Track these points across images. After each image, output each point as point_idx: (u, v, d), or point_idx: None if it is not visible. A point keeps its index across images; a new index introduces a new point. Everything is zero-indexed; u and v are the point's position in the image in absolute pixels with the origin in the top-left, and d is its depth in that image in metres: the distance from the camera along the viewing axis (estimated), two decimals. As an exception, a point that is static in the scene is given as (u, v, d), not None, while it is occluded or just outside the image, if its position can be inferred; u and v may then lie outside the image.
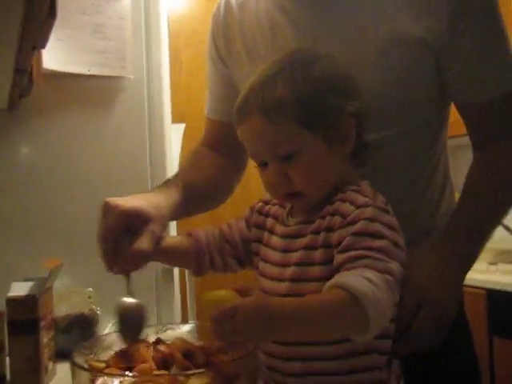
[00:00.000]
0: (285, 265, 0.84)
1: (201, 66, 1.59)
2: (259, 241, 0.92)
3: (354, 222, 0.77)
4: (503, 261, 2.39)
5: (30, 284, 1.05)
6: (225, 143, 1.18)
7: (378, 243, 0.76)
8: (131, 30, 1.42)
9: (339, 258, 0.77)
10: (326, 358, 0.80)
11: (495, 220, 1.01)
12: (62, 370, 1.10)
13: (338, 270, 0.76)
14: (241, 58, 1.10)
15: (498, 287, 2.07)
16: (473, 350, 1.07)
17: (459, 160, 2.90)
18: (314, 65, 0.83)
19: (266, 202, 0.95)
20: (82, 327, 1.25)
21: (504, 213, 1.01)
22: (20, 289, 1.04)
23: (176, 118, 1.69)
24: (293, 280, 0.82)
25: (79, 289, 1.25)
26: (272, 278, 0.86)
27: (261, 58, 1.01)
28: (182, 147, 1.75)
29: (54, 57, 1.31)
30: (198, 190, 1.07)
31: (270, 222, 0.91)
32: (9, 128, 1.33)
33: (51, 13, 0.67)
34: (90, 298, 1.25)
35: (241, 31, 1.10)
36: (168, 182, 1.05)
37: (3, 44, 0.79)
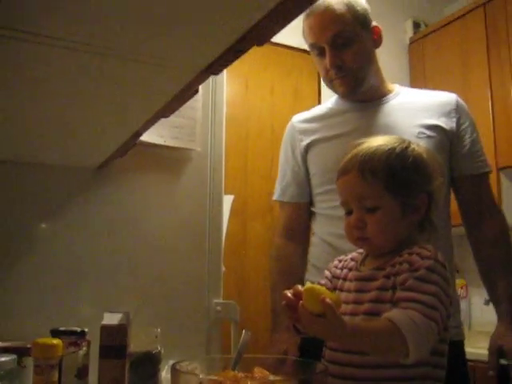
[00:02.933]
0: (358, 302, 1.04)
1: (232, 147, 1.87)
2: (335, 287, 1.15)
3: (417, 269, 0.98)
4: None
5: (118, 316, 1.22)
6: (299, 225, 1.67)
7: (433, 289, 0.97)
8: (201, 111, 1.67)
9: (400, 294, 0.98)
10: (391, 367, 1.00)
11: None
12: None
13: (396, 303, 0.96)
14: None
15: None
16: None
17: (464, 247, 3.11)
18: (407, 149, 1.09)
19: (340, 260, 1.20)
20: (147, 364, 1.39)
21: None
22: (111, 319, 1.20)
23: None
24: (367, 314, 1.01)
25: (148, 328, 1.39)
26: (346, 314, 1.04)
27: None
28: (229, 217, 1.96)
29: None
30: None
31: (344, 272, 1.14)
32: (94, 184, 1.54)
33: (197, 90, 0.89)
34: (156, 337, 1.39)
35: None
36: None
37: (143, 112, 1.00)
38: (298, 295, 0.96)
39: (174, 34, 0.70)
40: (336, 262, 1.22)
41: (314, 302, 0.93)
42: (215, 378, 0.96)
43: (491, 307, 1.61)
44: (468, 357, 1.75)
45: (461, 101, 1.61)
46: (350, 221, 1.10)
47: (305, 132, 1.67)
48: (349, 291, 1.12)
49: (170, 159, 1.63)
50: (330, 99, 1.72)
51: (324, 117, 1.67)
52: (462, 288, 3.12)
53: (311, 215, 1.68)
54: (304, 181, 1.66)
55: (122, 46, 0.73)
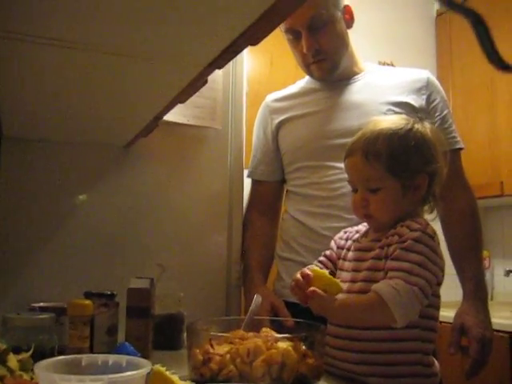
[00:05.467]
0: (356, 270, 1.16)
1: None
2: (339, 257, 1.27)
3: (404, 240, 1.08)
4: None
5: (143, 280, 1.36)
6: (269, 202, 1.74)
7: (418, 258, 1.07)
8: (221, 91, 1.77)
9: (389, 264, 1.09)
10: (380, 340, 1.11)
11: (481, 254, 1.57)
12: (156, 356, 1.38)
13: (386, 272, 1.07)
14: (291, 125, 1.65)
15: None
16: None
17: (486, 219, 3.15)
18: (411, 131, 1.17)
19: (345, 232, 1.31)
20: (171, 325, 1.53)
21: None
22: (137, 283, 1.34)
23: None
24: (365, 281, 1.13)
25: (172, 292, 1.53)
26: (346, 281, 1.16)
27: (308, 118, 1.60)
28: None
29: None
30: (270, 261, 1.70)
31: (348, 243, 1.25)
32: (121, 161, 1.67)
33: (206, 81, 1.00)
34: (179, 301, 1.53)
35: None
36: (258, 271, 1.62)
37: (161, 99, 1.12)
38: (306, 277, 1.10)
39: (182, 35, 0.80)
40: (341, 234, 1.32)
41: (322, 284, 1.09)
42: (224, 334, 1.09)
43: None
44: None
45: (432, 78, 1.61)
46: (356, 199, 1.20)
47: (276, 111, 1.71)
48: (349, 260, 1.23)
49: (193, 138, 1.75)
50: (297, 83, 1.75)
51: (295, 96, 1.70)
52: (484, 259, 3.16)
53: (285, 192, 1.74)
54: (274, 160, 1.71)
55: (134, 47, 0.84)
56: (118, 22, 0.77)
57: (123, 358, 0.82)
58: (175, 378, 0.86)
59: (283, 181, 1.73)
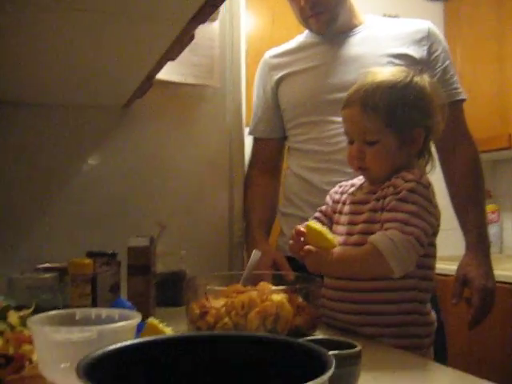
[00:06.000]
0: (352, 223, 1.16)
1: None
2: (335, 211, 1.27)
3: (399, 191, 1.08)
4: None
5: (143, 239, 1.37)
6: (271, 160, 1.73)
7: (412, 208, 1.07)
8: (218, 49, 1.76)
9: (384, 215, 1.09)
10: (377, 290, 1.13)
11: (484, 207, 1.57)
12: (159, 312, 1.42)
13: (382, 224, 1.07)
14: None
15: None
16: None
17: (496, 173, 3.13)
18: (410, 84, 1.16)
19: (340, 186, 1.31)
20: (173, 283, 1.56)
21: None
22: (136, 242, 1.36)
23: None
24: (361, 233, 1.13)
25: (174, 250, 1.55)
26: (343, 234, 1.17)
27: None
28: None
29: (161, 68, 1.65)
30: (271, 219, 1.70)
31: (344, 196, 1.25)
32: (120, 122, 1.68)
33: (192, 36, 0.99)
34: (181, 258, 1.55)
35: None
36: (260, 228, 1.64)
37: (150, 56, 1.11)
38: (300, 234, 1.11)
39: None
40: (336, 188, 1.32)
41: (316, 239, 1.10)
42: (220, 288, 1.11)
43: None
44: (500, 279, 1.85)
45: (433, 28, 1.58)
46: (351, 151, 1.20)
47: (276, 67, 1.69)
48: (345, 214, 1.23)
49: (191, 96, 1.74)
50: (296, 38, 1.73)
51: (294, 51, 1.68)
52: (493, 213, 3.15)
53: (287, 149, 1.74)
54: (274, 116, 1.70)
55: (120, 7, 0.84)
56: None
57: (116, 312, 0.84)
58: (168, 330, 0.88)
59: (284, 138, 1.72)
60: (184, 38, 0.96)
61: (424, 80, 1.18)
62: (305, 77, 1.62)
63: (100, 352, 0.52)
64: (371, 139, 1.15)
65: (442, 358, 1.28)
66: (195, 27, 0.91)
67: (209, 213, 1.75)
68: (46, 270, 1.36)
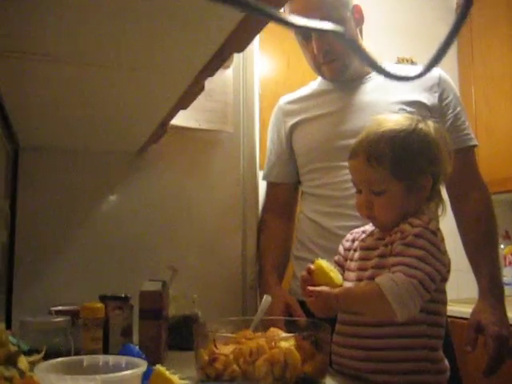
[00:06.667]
0: (362, 269, 1.17)
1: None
2: (346, 259, 1.28)
3: (406, 236, 1.08)
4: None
5: (156, 283, 1.39)
6: (284, 204, 1.74)
7: (419, 252, 1.07)
8: (232, 94, 1.80)
9: (391, 260, 1.09)
10: (387, 337, 1.13)
11: (497, 252, 1.56)
12: (171, 356, 1.42)
13: (389, 269, 1.08)
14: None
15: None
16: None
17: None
18: (414, 132, 1.16)
19: (351, 233, 1.31)
20: (186, 326, 1.56)
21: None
22: (149, 286, 1.38)
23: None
24: (370, 279, 1.13)
25: (186, 294, 1.56)
26: (353, 281, 1.17)
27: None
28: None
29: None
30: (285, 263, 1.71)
31: (355, 244, 1.26)
32: (135, 168, 1.71)
33: (203, 86, 1.03)
34: (194, 302, 1.56)
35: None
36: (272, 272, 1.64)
37: (162, 106, 1.15)
38: (309, 271, 1.13)
39: (170, 47, 0.83)
40: (348, 235, 1.33)
41: (323, 278, 1.10)
42: (228, 335, 1.11)
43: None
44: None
45: (444, 75, 1.60)
46: (359, 201, 1.21)
47: (290, 113, 1.72)
48: (355, 260, 1.23)
49: (205, 142, 1.78)
50: (310, 84, 1.75)
51: (308, 98, 1.71)
52: (506, 256, 3.10)
53: (300, 194, 1.75)
54: (288, 161, 1.72)
55: (129, 60, 0.87)
56: (105, 36, 0.81)
57: (123, 359, 0.85)
58: (175, 377, 0.89)
59: (298, 182, 1.74)
60: (194, 89, 0.99)
61: (429, 126, 1.19)
62: (318, 123, 1.64)
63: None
64: (378, 190, 1.16)
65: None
66: (204, 79, 0.94)
67: (222, 257, 1.76)
68: (59, 312, 1.38)
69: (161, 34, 0.79)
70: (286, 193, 1.75)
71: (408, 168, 1.14)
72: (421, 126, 1.18)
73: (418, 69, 1.63)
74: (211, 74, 0.91)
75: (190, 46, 0.80)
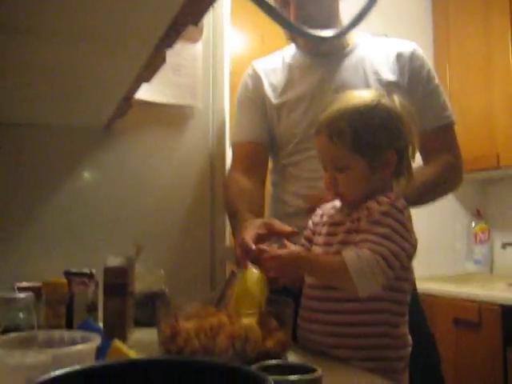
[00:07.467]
0: (329, 244, 1.17)
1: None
2: (314, 233, 1.27)
3: (372, 214, 1.08)
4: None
5: (120, 259, 1.38)
6: (253, 163, 1.59)
7: (384, 230, 1.07)
8: (201, 69, 1.77)
9: (357, 237, 1.09)
10: (350, 312, 1.14)
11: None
12: (137, 333, 1.41)
13: (356, 245, 1.08)
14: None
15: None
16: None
17: (486, 192, 3.14)
18: (376, 107, 1.14)
19: (321, 208, 1.30)
20: (152, 302, 1.55)
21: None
22: (113, 262, 1.36)
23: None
24: (336, 253, 1.13)
25: (153, 270, 1.55)
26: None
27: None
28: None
29: (142, 88, 1.66)
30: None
31: (324, 219, 1.27)
32: (102, 144, 1.69)
33: (164, 59, 1.01)
34: (161, 278, 1.55)
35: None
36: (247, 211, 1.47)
37: (123, 78, 1.13)
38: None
39: (124, 17, 0.81)
40: (318, 210, 1.32)
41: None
42: (190, 310, 1.11)
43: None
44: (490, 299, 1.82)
45: (418, 52, 1.55)
46: (326, 178, 1.20)
47: (273, 87, 1.60)
48: (322, 235, 1.23)
49: (173, 117, 1.76)
50: (283, 52, 1.65)
51: (287, 73, 1.61)
52: (483, 232, 3.16)
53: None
54: (260, 123, 1.59)
55: (87, 32, 0.85)
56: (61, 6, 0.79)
57: (79, 334, 0.84)
58: (132, 352, 0.88)
59: (268, 148, 1.63)
60: (155, 61, 0.97)
61: (393, 100, 1.17)
62: (299, 107, 1.55)
63: (46, 377, 0.52)
64: (340, 166, 1.15)
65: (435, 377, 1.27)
66: (163, 50, 0.92)
67: (191, 233, 1.75)
68: (23, 289, 1.36)
69: (115, 2, 0.77)
70: (254, 151, 1.59)
71: (369, 144, 1.13)
72: (384, 101, 1.16)
73: (387, 44, 1.57)
74: (170, 45, 0.89)
75: (144, 15, 0.78)
